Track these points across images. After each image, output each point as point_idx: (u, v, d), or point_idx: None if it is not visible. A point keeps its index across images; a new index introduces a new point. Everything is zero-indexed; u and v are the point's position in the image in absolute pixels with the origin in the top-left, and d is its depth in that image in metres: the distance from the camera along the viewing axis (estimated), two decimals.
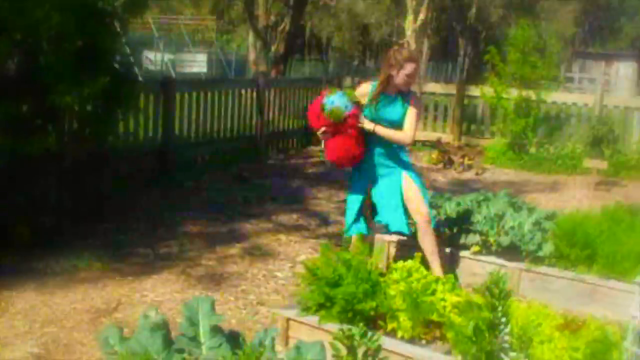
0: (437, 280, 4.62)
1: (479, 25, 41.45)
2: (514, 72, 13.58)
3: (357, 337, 2.49)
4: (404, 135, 5.67)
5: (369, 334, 2.48)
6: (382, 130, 5.60)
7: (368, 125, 5.57)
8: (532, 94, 13.39)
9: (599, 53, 47.64)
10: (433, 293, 4.53)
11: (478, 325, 2.19)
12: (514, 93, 13.47)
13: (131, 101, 8.18)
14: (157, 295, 5.87)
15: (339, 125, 5.52)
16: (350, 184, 5.94)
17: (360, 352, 2.51)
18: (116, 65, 7.81)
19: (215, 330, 3.37)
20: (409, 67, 5.58)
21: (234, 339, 3.46)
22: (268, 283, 6.33)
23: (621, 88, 35.04)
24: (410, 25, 17.02)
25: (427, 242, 5.65)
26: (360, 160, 5.70)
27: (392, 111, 5.67)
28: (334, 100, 5.52)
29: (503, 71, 13.66)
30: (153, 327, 3.40)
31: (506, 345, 2.27)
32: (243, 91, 12.86)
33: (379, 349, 2.52)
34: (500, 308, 2.14)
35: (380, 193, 5.77)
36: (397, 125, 5.70)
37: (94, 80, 7.04)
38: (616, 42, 61.16)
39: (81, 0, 7.12)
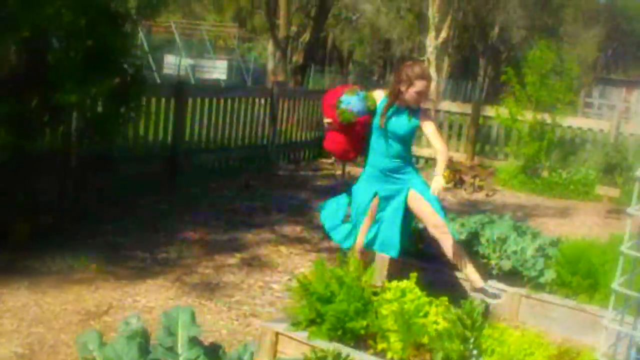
0: (430, 302, 4.52)
1: (501, 45, 41.34)
2: (530, 94, 13.45)
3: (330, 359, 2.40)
4: (442, 151, 5.65)
5: (343, 355, 2.38)
6: (441, 170, 5.57)
7: (436, 184, 5.51)
8: (547, 117, 13.27)
9: (620, 79, 47.43)
10: (425, 315, 4.42)
11: (448, 356, 2.09)
12: (529, 116, 13.34)
13: (139, 103, 8.12)
14: (149, 301, 5.79)
15: (344, 125, 5.53)
16: (355, 191, 5.88)
17: None
18: (126, 67, 7.76)
19: (194, 341, 3.28)
20: (419, 85, 5.51)
21: (213, 352, 3.37)
22: (264, 295, 6.24)
23: None
24: (431, 42, 16.96)
25: (450, 251, 5.60)
26: (355, 158, 5.94)
27: (398, 125, 5.59)
28: (351, 102, 5.49)
29: (519, 93, 13.53)
30: (131, 335, 3.33)
31: None
32: (257, 100, 12.80)
33: None
34: (472, 340, 2.04)
35: (384, 208, 5.69)
36: (402, 138, 5.64)
37: (102, 80, 6.99)
38: (638, 69, 60.83)
39: (93, 0, 7.07)
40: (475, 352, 2.04)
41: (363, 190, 5.77)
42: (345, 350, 4.36)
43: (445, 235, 5.61)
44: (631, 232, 2.48)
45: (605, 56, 61.04)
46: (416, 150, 14.97)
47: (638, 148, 13.20)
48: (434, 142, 5.70)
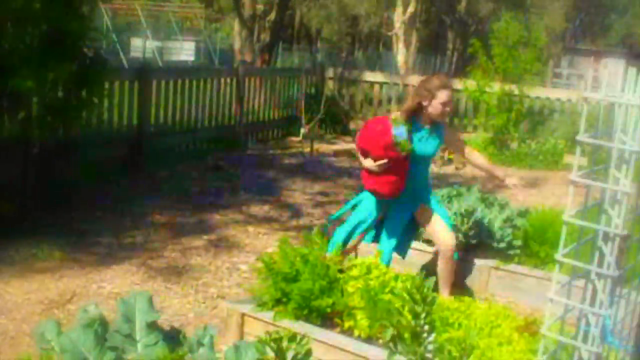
0: (396, 277, 4.47)
1: (469, 18, 41.28)
2: (498, 66, 13.41)
3: (285, 341, 2.34)
4: (480, 155, 5.80)
5: (298, 338, 2.33)
6: (501, 172, 5.86)
7: (512, 179, 5.75)
8: (515, 89, 13.25)
9: (589, 49, 47.65)
10: (392, 291, 4.38)
11: (400, 333, 2.04)
12: (497, 87, 13.30)
13: (101, 88, 7.99)
14: (114, 287, 5.71)
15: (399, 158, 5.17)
16: (364, 203, 5.51)
17: (289, 355, 2.36)
18: (85, 51, 7.62)
19: (152, 327, 3.22)
20: (442, 95, 5.20)
21: (172, 337, 3.31)
22: (231, 276, 6.18)
23: (610, 84, 34.89)
24: (399, 17, 16.89)
25: (445, 271, 5.43)
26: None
27: (426, 145, 5.33)
28: (402, 132, 5.13)
29: (486, 65, 13.49)
30: (88, 322, 3.26)
31: (429, 355, 2.12)
32: (223, 80, 12.67)
33: (308, 353, 2.37)
34: (423, 315, 1.99)
35: (391, 217, 5.50)
36: (429, 159, 5.50)
37: (60, 65, 6.86)
38: (606, 38, 61.18)
39: None
40: (426, 327, 1.99)
41: (374, 207, 5.44)
42: (311, 329, 4.32)
43: (449, 254, 5.39)
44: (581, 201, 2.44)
45: (573, 26, 61.26)
46: None
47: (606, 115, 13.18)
48: (470, 152, 5.65)
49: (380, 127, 5.18)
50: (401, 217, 5.46)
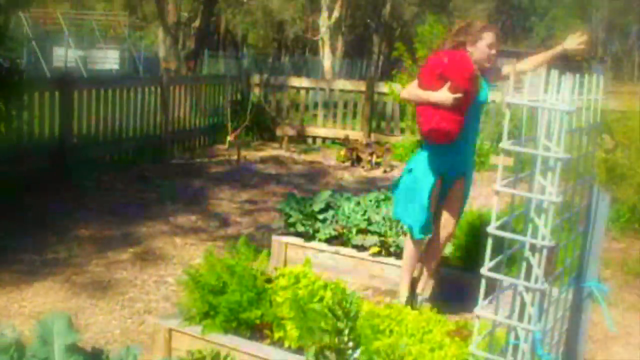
0: (325, 286, 4.41)
1: (394, 22, 41.66)
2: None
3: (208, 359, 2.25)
4: (527, 61, 5.28)
5: (223, 356, 2.24)
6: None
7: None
8: None
9: (511, 50, 48.43)
10: (321, 300, 4.32)
11: (322, 350, 1.98)
12: None
13: (18, 99, 7.75)
14: (36, 306, 5.52)
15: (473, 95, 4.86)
16: (416, 170, 5.12)
17: None
18: (1, 61, 7.39)
19: (72, 349, 3.08)
20: (488, 37, 4.90)
21: (94, 358, 3.18)
22: (158, 290, 6.04)
23: (532, 85, 35.58)
24: (325, 22, 16.90)
25: (430, 255, 5.36)
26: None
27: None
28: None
29: (411, 68, 13.55)
30: (4, 347, 3.10)
31: None
32: (147, 89, 12.46)
33: None
34: (347, 331, 1.93)
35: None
36: (480, 107, 5.13)
37: None
38: (527, 40, 62.52)
39: None
40: (350, 344, 1.93)
41: (430, 165, 5.04)
42: (240, 342, 4.23)
43: (444, 240, 5.32)
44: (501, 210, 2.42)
45: None
46: (311, 130, 14.93)
47: (529, 116, 13.37)
48: (522, 66, 5.17)
49: (460, 58, 4.83)
50: (449, 181, 5.13)
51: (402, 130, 14.51)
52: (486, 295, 2.30)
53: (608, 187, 8.82)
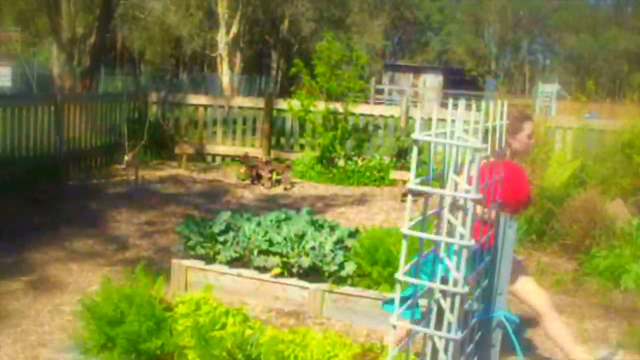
0: (227, 312, 4.30)
1: (292, 38, 41.85)
2: (321, 85, 13.53)
3: None
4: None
5: None
6: None
7: None
8: (339, 107, 13.39)
9: (408, 65, 49.35)
10: (223, 327, 4.20)
11: None
12: (321, 106, 13.39)
13: None
14: None
15: None
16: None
17: None
18: None
19: None
20: (528, 127, 4.72)
21: None
22: (53, 320, 5.78)
23: (429, 99, 36.33)
24: (223, 38, 16.77)
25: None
26: None
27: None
28: None
29: (310, 84, 13.58)
30: None
31: None
32: (40, 107, 12.07)
33: None
34: None
35: None
36: None
37: None
38: (423, 55, 63.80)
39: None
40: None
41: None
42: None
43: None
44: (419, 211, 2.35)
45: (392, 44, 63.47)
46: (210, 148, 14.77)
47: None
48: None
49: (519, 174, 4.68)
50: None
51: (302, 147, 14.51)
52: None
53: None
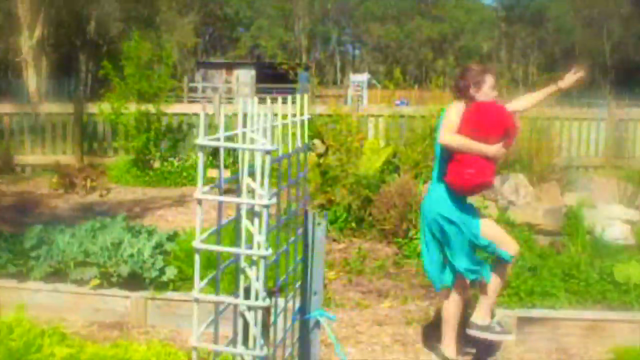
0: (42, 333, 4.09)
1: (100, 39, 40.75)
2: (132, 87, 13.19)
3: None
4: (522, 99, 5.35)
5: None
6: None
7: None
8: (151, 108, 13.11)
9: (220, 62, 49.27)
10: (39, 349, 3.99)
11: None
12: (133, 108, 13.06)
13: None
14: None
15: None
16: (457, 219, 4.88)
17: None
18: None
19: None
20: (489, 79, 4.86)
21: None
22: None
23: (243, 94, 36.43)
24: (26, 42, 16.03)
25: None
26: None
27: None
28: None
29: (120, 86, 13.21)
30: None
31: None
32: None
33: None
34: None
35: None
36: None
37: None
38: (236, 50, 63.93)
39: None
40: None
41: (466, 211, 4.93)
42: None
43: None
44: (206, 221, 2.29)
45: (204, 41, 63.18)
46: (19, 158, 14.10)
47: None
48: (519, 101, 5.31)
49: (496, 109, 4.86)
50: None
51: (116, 151, 14.13)
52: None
53: (323, 190, 9.11)
